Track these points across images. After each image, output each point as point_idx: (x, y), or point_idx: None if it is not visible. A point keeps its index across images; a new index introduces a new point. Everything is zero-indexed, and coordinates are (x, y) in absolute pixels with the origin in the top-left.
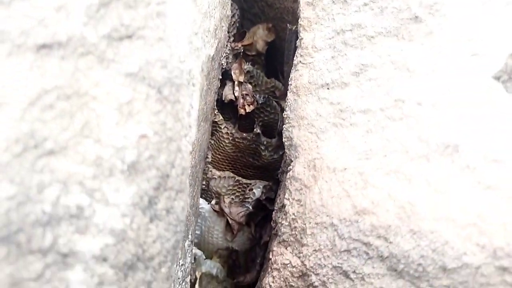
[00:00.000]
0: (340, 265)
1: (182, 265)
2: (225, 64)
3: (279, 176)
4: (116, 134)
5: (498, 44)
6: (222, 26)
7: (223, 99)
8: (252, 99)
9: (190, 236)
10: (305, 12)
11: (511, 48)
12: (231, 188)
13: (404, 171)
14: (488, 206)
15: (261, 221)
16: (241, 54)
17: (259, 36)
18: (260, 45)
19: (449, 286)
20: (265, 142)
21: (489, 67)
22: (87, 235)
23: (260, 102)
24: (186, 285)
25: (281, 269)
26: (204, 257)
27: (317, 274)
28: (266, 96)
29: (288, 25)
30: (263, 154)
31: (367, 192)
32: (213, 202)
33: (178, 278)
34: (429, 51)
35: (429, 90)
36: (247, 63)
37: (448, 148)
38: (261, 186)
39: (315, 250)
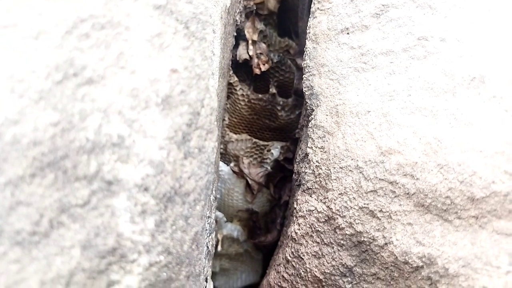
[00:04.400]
0: (366, 205)
1: (209, 217)
2: (239, 21)
3: (297, 134)
4: (149, 65)
5: None
6: None
7: (238, 59)
8: (267, 58)
9: (214, 192)
10: None
11: None
12: (248, 150)
13: (430, 107)
14: None
15: (280, 181)
16: (254, 12)
17: None
18: (272, 4)
19: (477, 216)
20: (281, 102)
21: None
22: (129, 164)
23: (275, 61)
24: (212, 241)
25: (307, 216)
26: (225, 220)
27: (343, 217)
28: (281, 54)
29: None
30: (280, 114)
31: (392, 132)
32: (232, 164)
33: (206, 230)
34: None
35: (452, 26)
36: (260, 22)
37: (474, 80)
38: (278, 147)
39: (340, 193)
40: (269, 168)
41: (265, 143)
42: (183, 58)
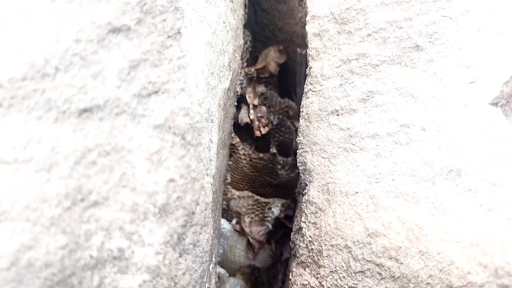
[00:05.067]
0: (355, 285)
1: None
2: (240, 90)
3: (296, 195)
4: (148, 181)
5: (493, 72)
6: (236, 57)
7: (239, 122)
8: (267, 121)
9: (214, 259)
10: (313, 42)
11: (505, 76)
12: (250, 207)
13: (412, 194)
14: (489, 227)
15: (281, 238)
16: (255, 78)
17: (271, 58)
18: (273, 67)
19: None
20: (281, 161)
21: (486, 94)
22: (128, 274)
23: (275, 123)
24: None
25: None
26: (228, 275)
27: None
28: (280, 116)
29: (298, 49)
30: (280, 173)
31: (378, 215)
32: (234, 221)
33: None
34: (431, 78)
35: (432, 116)
36: (261, 85)
37: (451, 172)
38: (279, 205)
39: (331, 271)
40: (270, 226)
41: (267, 200)
42: (179, 167)
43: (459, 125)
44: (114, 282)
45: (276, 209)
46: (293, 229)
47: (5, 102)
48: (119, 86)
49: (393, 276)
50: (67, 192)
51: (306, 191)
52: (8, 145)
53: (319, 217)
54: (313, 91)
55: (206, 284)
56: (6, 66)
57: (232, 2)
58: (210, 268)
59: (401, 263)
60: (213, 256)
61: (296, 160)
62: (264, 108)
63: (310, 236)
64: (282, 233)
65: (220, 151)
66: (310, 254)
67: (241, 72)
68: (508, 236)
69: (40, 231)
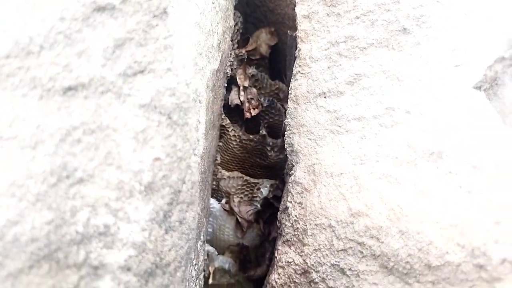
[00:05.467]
0: (337, 263)
1: (195, 264)
2: (230, 71)
3: (284, 176)
4: (133, 159)
5: (478, 56)
6: (226, 38)
7: (230, 103)
8: (257, 103)
9: (202, 237)
10: (302, 24)
11: (489, 60)
12: (240, 187)
13: (394, 175)
14: (467, 209)
15: (269, 218)
16: (245, 59)
17: (263, 40)
18: (264, 49)
19: (434, 282)
20: (270, 143)
21: (471, 78)
22: (113, 249)
23: (265, 105)
24: (200, 282)
25: (285, 267)
26: (217, 253)
27: (317, 271)
28: (271, 99)
29: (288, 31)
30: (269, 154)
31: (361, 196)
32: (223, 201)
33: (192, 277)
34: (417, 61)
35: (417, 99)
36: (252, 67)
37: (433, 154)
38: (268, 185)
39: (315, 249)
40: (258, 205)
41: (256, 180)
42: (165, 146)
43: (443, 108)
44: (100, 257)
45: (265, 189)
46: (280, 209)
47: None
48: (104, 64)
49: (374, 255)
50: (52, 169)
51: (293, 171)
52: None
53: (304, 197)
54: (301, 73)
55: (194, 261)
56: None
57: None
58: (198, 245)
59: (382, 242)
60: (201, 234)
61: (284, 142)
62: (254, 90)
63: (295, 216)
64: (270, 213)
65: (209, 132)
66: (295, 233)
67: (231, 54)
68: (486, 218)
69: (26, 207)
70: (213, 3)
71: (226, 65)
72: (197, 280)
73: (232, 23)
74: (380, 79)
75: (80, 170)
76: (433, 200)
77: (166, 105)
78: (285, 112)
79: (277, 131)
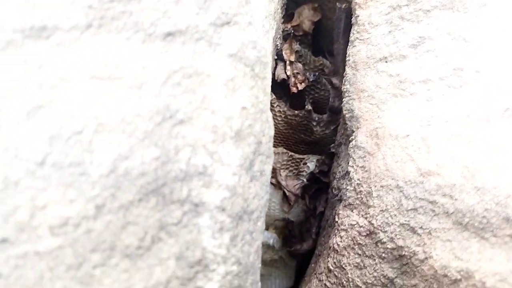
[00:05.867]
0: (407, 222)
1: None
2: (279, 45)
3: (334, 149)
4: (225, 106)
5: None
6: (278, 9)
7: (276, 78)
8: (303, 77)
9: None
10: None
11: None
12: (285, 163)
13: (466, 134)
14: None
15: (315, 193)
16: (291, 34)
17: (305, 16)
18: (307, 25)
19: None
20: (316, 118)
21: None
22: (211, 189)
23: (311, 80)
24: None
25: (349, 229)
26: None
27: (385, 232)
28: (317, 73)
29: (337, 3)
30: (315, 129)
31: (431, 156)
32: None
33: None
34: (484, 22)
35: (486, 58)
36: (296, 43)
37: (507, 110)
38: (314, 160)
39: (381, 210)
40: (305, 180)
41: (301, 156)
42: (250, 96)
43: None
44: (200, 195)
45: (311, 164)
46: (337, 177)
47: (95, 22)
48: (197, 13)
49: (447, 212)
50: (158, 109)
51: (353, 137)
52: (100, 62)
53: (367, 160)
54: (360, 39)
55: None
56: None
57: None
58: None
59: (456, 199)
60: None
61: (331, 117)
62: (300, 65)
63: (358, 179)
64: (316, 188)
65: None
66: (358, 196)
67: (280, 27)
68: None
69: (135, 143)
70: None
71: (277, 37)
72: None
73: None
74: (445, 41)
75: (181, 112)
76: (508, 154)
77: (249, 57)
78: (331, 87)
79: (323, 106)
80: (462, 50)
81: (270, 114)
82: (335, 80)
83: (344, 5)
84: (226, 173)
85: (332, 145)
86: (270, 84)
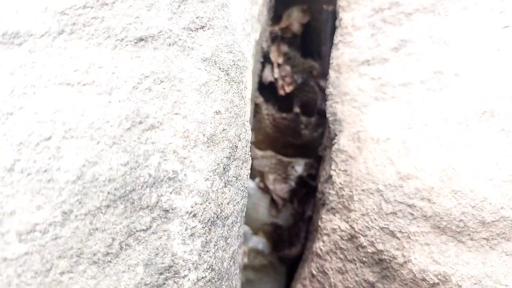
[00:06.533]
0: (387, 226)
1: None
2: (266, 47)
3: (320, 152)
4: (197, 110)
5: None
6: (263, 11)
7: (263, 81)
8: (291, 80)
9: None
10: None
11: None
12: (273, 166)
13: (445, 137)
14: None
15: (304, 197)
16: (279, 36)
17: (294, 18)
18: (296, 27)
19: (488, 238)
20: (304, 121)
21: None
22: (181, 195)
23: (298, 83)
24: (239, 256)
25: (331, 234)
26: (251, 232)
27: (365, 236)
28: (305, 76)
29: (324, 6)
30: (303, 132)
31: (410, 159)
32: (257, 180)
33: (240, 247)
34: (464, 25)
35: (465, 62)
36: (284, 45)
37: (485, 113)
38: (302, 163)
39: (362, 214)
40: (293, 184)
41: (289, 159)
42: (225, 101)
43: (492, 69)
44: (170, 201)
45: (299, 167)
46: (321, 180)
47: (67, 28)
48: (170, 18)
49: (425, 216)
50: (127, 114)
51: (335, 140)
52: (71, 68)
53: (349, 164)
54: (343, 42)
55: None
56: None
57: None
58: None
59: (434, 202)
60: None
61: (319, 120)
62: (288, 68)
63: (340, 183)
64: (304, 192)
65: (250, 104)
66: (340, 200)
67: (266, 29)
68: None
69: (103, 149)
70: None
71: (263, 39)
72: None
73: None
74: (426, 44)
75: (151, 117)
76: (486, 158)
77: (224, 61)
78: (319, 89)
79: (311, 109)
80: (442, 53)
81: (247, 119)
82: (323, 83)
83: (331, 7)
84: (197, 179)
85: (320, 148)
86: (248, 88)
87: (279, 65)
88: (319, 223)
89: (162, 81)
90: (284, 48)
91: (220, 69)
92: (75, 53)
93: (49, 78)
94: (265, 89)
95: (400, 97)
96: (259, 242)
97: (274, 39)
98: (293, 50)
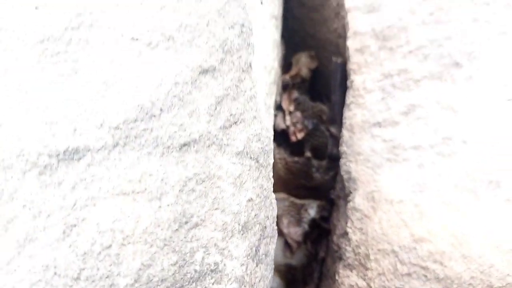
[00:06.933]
0: (402, 286)
1: None
2: (279, 99)
3: (333, 197)
4: (233, 202)
5: None
6: (278, 70)
7: (276, 128)
8: (302, 126)
9: None
10: (354, 57)
11: None
12: (286, 209)
13: (455, 203)
14: None
15: (317, 238)
16: (290, 85)
17: (303, 64)
18: (304, 72)
19: None
20: (315, 165)
21: None
22: (221, 284)
23: (309, 128)
24: None
25: None
26: None
27: None
28: (315, 121)
29: (333, 57)
30: (315, 176)
31: (423, 222)
32: None
33: None
34: (470, 94)
35: (472, 129)
36: (294, 91)
37: (491, 183)
38: (315, 206)
39: (379, 273)
40: (306, 226)
41: (302, 201)
42: (255, 188)
43: (497, 139)
44: None
45: (312, 210)
46: (337, 233)
47: (121, 141)
48: (209, 121)
49: (437, 278)
50: (175, 217)
51: (350, 198)
52: (126, 178)
53: (365, 223)
54: (355, 104)
55: None
56: (121, 110)
57: (276, 19)
58: None
59: (445, 266)
60: None
61: (330, 163)
62: (299, 114)
63: (356, 241)
64: (317, 233)
65: None
66: (357, 257)
67: (278, 83)
68: None
69: (156, 251)
70: (272, 42)
71: (277, 94)
72: None
73: (281, 53)
74: (435, 109)
75: (195, 216)
76: (492, 226)
77: (254, 150)
78: (330, 135)
79: (322, 152)
80: (450, 119)
81: (273, 196)
82: (333, 129)
83: (340, 60)
84: (235, 266)
85: (332, 191)
86: (272, 166)
87: (290, 113)
88: (337, 277)
89: (204, 181)
90: (295, 94)
91: (251, 158)
92: (128, 164)
93: (107, 190)
94: (278, 133)
95: (411, 160)
96: (273, 281)
97: (285, 87)
98: (303, 93)
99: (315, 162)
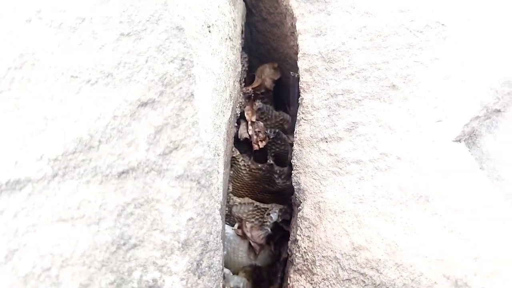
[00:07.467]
0: None
1: None
2: (239, 110)
3: (292, 202)
4: (172, 223)
5: (456, 114)
6: (235, 86)
7: (239, 137)
8: (264, 135)
9: (221, 261)
10: (304, 77)
11: (465, 119)
12: (251, 212)
13: (389, 214)
14: (451, 246)
15: (280, 240)
16: (252, 96)
17: (267, 75)
18: (268, 83)
19: None
20: (278, 171)
21: (451, 132)
22: None
23: (271, 137)
24: None
25: None
26: (232, 274)
27: None
28: (277, 131)
29: (291, 72)
30: (277, 181)
31: (362, 231)
32: (236, 226)
33: None
34: (405, 114)
35: (406, 147)
36: (258, 101)
37: (421, 197)
38: (277, 211)
39: (323, 278)
40: (269, 230)
41: (265, 206)
42: (196, 207)
43: (427, 157)
44: None
45: (274, 214)
46: (290, 239)
47: (60, 171)
48: (147, 149)
49: (374, 284)
50: (113, 239)
51: (300, 207)
52: (65, 206)
53: (312, 231)
54: (304, 120)
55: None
56: (60, 143)
57: (231, 40)
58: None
59: (381, 273)
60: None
61: (291, 170)
62: (261, 124)
63: (304, 248)
64: (280, 236)
65: (225, 170)
66: (305, 263)
67: (239, 95)
68: (466, 254)
69: (94, 272)
70: (225, 63)
71: (236, 107)
72: None
73: (239, 68)
74: (374, 127)
75: (134, 237)
76: (422, 237)
77: (195, 172)
78: (290, 143)
79: (284, 159)
80: (387, 136)
81: (217, 212)
82: (292, 139)
83: (297, 74)
84: (174, 281)
85: (291, 196)
86: (217, 185)
87: (252, 123)
88: (288, 281)
89: (142, 205)
90: (258, 104)
91: (192, 180)
92: (68, 192)
93: (47, 217)
94: (241, 142)
95: (353, 173)
96: (239, 281)
97: (248, 98)
98: (266, 102)
99: (277, 169)
